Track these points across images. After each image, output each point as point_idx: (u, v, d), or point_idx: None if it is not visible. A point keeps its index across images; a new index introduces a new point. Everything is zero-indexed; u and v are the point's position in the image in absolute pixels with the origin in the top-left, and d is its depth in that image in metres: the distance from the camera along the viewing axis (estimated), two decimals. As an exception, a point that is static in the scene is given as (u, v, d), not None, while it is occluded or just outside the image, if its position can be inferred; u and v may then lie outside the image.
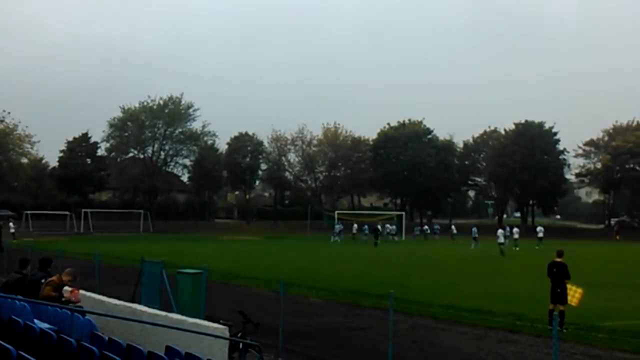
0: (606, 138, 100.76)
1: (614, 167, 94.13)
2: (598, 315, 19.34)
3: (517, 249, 53.74)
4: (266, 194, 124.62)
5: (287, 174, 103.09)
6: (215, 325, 11.60)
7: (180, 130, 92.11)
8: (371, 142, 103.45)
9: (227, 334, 11.48)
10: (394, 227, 76.02)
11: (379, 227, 68.92)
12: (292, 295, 19.52)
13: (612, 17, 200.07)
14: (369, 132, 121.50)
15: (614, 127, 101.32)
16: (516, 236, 57.84)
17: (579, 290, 17.53)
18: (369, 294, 20.78)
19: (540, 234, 63.33)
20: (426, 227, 79.86)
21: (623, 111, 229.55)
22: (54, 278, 12.90)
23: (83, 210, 77.12)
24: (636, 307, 21.75)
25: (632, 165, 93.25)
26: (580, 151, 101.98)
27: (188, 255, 38.40)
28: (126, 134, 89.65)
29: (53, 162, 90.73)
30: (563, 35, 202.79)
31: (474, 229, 61.98)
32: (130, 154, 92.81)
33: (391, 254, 47.69)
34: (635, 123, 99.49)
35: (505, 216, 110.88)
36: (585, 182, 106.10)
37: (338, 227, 72.59)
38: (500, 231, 50.90)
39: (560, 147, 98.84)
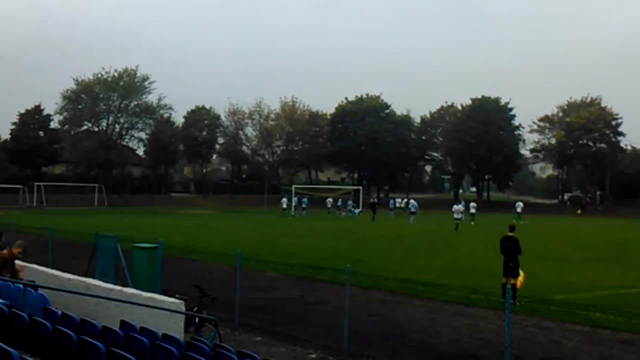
0: (560, 114, 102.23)
1: (567, 142, 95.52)
2: (550, 289, 19.72)
3: (473, 223, 54.25)
4: (223, 168, 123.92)
5: (244, 148, 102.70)
6: (171, 299, 11.52)
7: (135, 103, 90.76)
8: (329, 117, 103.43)
9: (182, 308, 11.41)
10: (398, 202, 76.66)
11: (374, 200, 69.23)
12: (249, 270, 19.49)
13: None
14: (327, 106, 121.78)
15: (568, 103, 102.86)
16: (473, 211, 58.24)
17: (521, 273, 17.81)
18: (326, 268, 20.86)
19: (519, 209, 64.16)
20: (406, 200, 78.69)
21: (577, 87, 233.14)
22: (4, 252, 12.65)
23: (36, 183, 75.70)
24: (587, 280, 22.21)
25: (585, 141, 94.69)
26: (535, 127, 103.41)
27: (143, 230, 38.05)
28: (80, 106, 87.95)
29: (5, 135, 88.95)
30: (519, 11, 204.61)
31: (412, 202, 62.45)
32: (85, 127, 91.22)
33: (350, 229, 47.87)
34: (589, 99, 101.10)
35: (461, 191, 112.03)
36: (540, 158, 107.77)
37: (304, 200, 72.53)
38: (455, 207, 51.10)
39: (516, 122, 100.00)
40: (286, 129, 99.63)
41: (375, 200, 73.47)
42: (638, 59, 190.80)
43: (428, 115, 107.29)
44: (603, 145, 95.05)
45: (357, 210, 70.88)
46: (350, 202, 71.93)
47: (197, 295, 12.63)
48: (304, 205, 70.50)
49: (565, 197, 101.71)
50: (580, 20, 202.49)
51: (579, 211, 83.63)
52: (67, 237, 25.63)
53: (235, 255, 15.25)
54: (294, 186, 79.71)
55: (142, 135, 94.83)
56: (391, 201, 74.88)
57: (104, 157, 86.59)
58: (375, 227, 50.94)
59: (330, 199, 74.70)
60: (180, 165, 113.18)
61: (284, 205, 67.42)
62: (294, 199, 72.48)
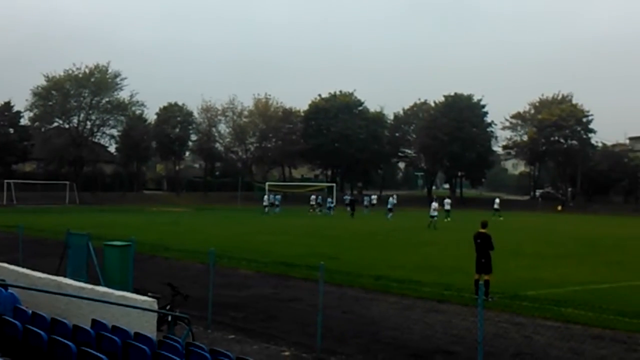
0: (532, 111, 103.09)
1: (539, 139, 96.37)
2: (522, 284, 19.88)
3: (449, 220, 54.17)
4: (196, 165, 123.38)
5: (217, 145, 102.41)
6: (143, 297, 11.42)
7: (107, 99, 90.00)
8: (302, 114, 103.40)
9: (155, 306, 11.31)
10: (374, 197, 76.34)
11: (349, 197, 69.03)
12: (222, 267, 19.42)
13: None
14: (300, 103, 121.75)
15: (540, 100, 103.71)
16: (447, 207, 58.21)
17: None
18: (300, 265, 20.84)
19: (497, 205, 64.61)
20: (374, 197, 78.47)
21: (549, 85, 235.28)
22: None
23: (6, 181, 74.80)
24: (559, 275, 22.43)
25: (557, 138, 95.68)
26: (508, 124, 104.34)
27: (115, 227, 37.80)
28: (50, 103, 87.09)
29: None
30: (491, 8, 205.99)
31: (390, 199, 62.65)
32: (55, 124, 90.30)
33: (325, 226, 47.90)
34: (560, 96, 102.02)
35: (434, 188, 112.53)
36: (512, 154, 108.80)
37: (277, 197, 72.02)
38: (434, 204, 50.83)
39: (488, 119, 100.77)
40: (259, 125, 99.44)
41: (353, 197, 73.27)
42: (608, 56, 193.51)
43: (401, 112, 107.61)
44: (574, 142, 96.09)
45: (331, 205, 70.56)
46: (329, 200, 71.90)
47: (170, 293, 12.56)
48: (277, 203, 70.10)
49: (537, 193, 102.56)
50: (552, 18, 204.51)
51: (559, 207, 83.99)
52: (38, 235, 25.38)
53: (208, 252, 15.18)
54: (267, 183, 79.66)
55: (114, 132, 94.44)
56: (365, 198, 74.80)
57: (75, 154, 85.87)
58: (350, 224, 51.01)
59: (313, 196, 73.83)
60: (152, 163, 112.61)
61: (266, 202, 67.05)
62: (271, 197, 71.93)
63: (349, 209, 63.46)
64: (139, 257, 17.97)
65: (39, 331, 7.15)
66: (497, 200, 67.66)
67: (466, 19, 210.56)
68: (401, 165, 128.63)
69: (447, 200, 60.48)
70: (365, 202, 71.92)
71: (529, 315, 15.35)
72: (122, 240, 18.27)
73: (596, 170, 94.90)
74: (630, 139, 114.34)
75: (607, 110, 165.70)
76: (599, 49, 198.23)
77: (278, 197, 72.59)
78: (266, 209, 64.99)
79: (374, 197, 77.31)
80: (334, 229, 45.06)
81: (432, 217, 47.71)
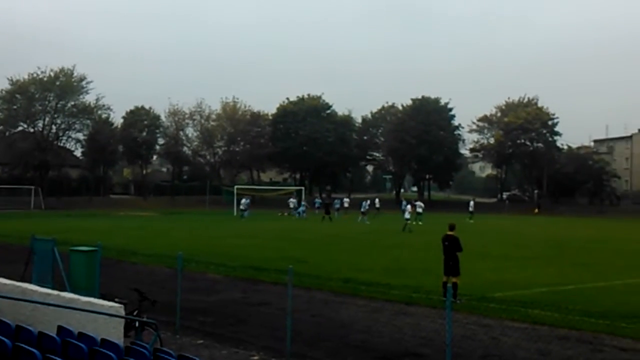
0: (499, 114, 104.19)
1: (506, 142, 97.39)
2: (490, 286, 20.05)
3: (421, 223, 53.88)
4: (164, 169, 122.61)
5: (185, 148, 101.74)
6: (110, 303, 11.28)
7: (72, 103, 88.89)
8: (270, 117, 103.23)
9: (122, 312, 11.18)
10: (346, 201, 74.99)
11: (324, 200, 68.47)
12: (190, 272, 19.31)
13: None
14: (269, 106, 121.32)
15: (506, 103, 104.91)
16: (419, 210, 58.10)
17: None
18: (269, 269, 20.80)
19: (471, 208, 64.87)
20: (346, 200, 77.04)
21: (515, 88, 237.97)
22: None
23: (-31, 186, 73.73)
24: (526, 277, 22.64)
25: (523, 141, 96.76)
26: (474, 127, 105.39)
27: (82, 233, 37.42)
28: (15, 107, 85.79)
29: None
30: (458, 12, 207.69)
31: (363, 202, 62.65)
32: (20, 128, 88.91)
33: (294, 229, 47.83)
34: (526, 99, 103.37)
35: (402, 190, 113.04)
36: (479, 157, 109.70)
37: (246, 202, 71.09)
38: (409, 207, 50.24)
39: (456, 122, 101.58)
40: (227, 129, 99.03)
41: (326, 200, 72.57)
42: (572, 60, 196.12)
43: (369, 116, 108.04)
44: (540, 144, 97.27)
45: (301, 209, 70.06)
46: (303, 203, 71.41)
47: (137, 298, 12.45)
48: (243, 207, 69.30)
49: (504, 196, 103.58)
50: (518, 21, 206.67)
51: (535, 210, 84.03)
52: (2, 240, 25.05)
53: (176, 257, 15.07)
54: (235, 187, 79.23)
55: (80, 136, 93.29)
56: (336, 201, 74.07)
57: (40, 158, 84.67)
58: (320, 226, 50.99)
59: (292, 199, 72.56)
60: (119, 167, 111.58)
61: (291, 205, 67.18)
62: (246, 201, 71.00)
63: (322, 211, 63.05)
64: (105, 262, 17.78)
65: (3, 338, 7.04)
66: (472, 203, 67.92)
67: (428, 22, 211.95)
68: (369, 168, 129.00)
69: (419, 203, 60.30)
70: (336, 205, 71.14)
71: (496, 317, 15.48)
72: (89, 245, 18.06)
73: (562, 172, 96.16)
74: (595, 141, 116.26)
75: (572, 114, 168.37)
76: (563, 52, 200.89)
77: (246, 201, 71.67)
78: (245, 213, 64.62)
79: (346, 200, 76.39)
80: (303, 232, 45.03)
81: (407, 220, 47.70)
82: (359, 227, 50.56)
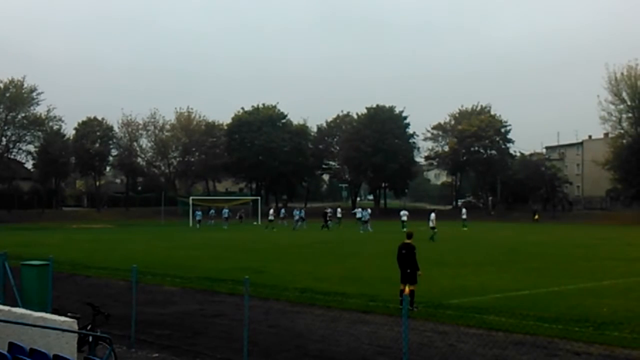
0: (453, 122, 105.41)
1: (460, 149, 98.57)
2: (446, 293, 20.18)
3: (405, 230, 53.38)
4: (117, 181, 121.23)
5: (139, 159, 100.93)
6: (63, 318, 11.09)
7: (23, 115, 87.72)
8: (225, 127, 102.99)
9: (75, 326, 10.99)
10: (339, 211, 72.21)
11: (328, 210, 67.18)
12: (145, 285, 19.09)
13: (453, 9, 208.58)
14: (223, 116, 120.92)
15: (459, 111, 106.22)
16: (404, 218, 57.47)
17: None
18: (225, 280, 20.66)
19: (464, 216, 65.11)
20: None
21: (468, 96, 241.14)
22: None
23: None
24: (481, 283, 22.84)
25: (477, 148, 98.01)
26: (429, 135, 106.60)
27: (33, 246, 36.78)
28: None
29: None
30: (410, 22, 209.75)
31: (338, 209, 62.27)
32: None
33: (251, 240, 47.65)
34: (479, 107, 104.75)
35: (358, 199, 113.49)
36: (434, 165, 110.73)
37: (198, 213, 70.28)
38: (433, 215, 48.86)
39: (410, 131, 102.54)
40: (182, 139, 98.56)
41: (328, 210, 70.36)
42: (523, 69, 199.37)
43: (325, 125, 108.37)
44: (493, 152, 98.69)
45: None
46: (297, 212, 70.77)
47: (91, 312, 12.26)
48: (198, 218, 68.76)
49: (459, 202, 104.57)
50: (469, 33, 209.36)
51: (535, 217, 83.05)
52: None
53: (131, 269, 14.87)
54: (191, 197, 78.78)
55: (31, 148, 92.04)
56: (296, 212, 72.08)
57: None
58: (275, 237, 50.88)
59: (271, 210, 69.35)
60: (72, 179, 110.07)
61: (271, 217, 65.11)
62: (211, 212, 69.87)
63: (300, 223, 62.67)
64: (58, 276, 17.49)
65: (-49, 357, 6.87)
66: (464, 210, 68.46)
67: (379, 32, 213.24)
68: (325, 177, 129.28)
69: (404, 212, 60.24)
70: (296, 216, 69.73)
71: (452, 323, 15.56)
72: (40, 259, 17.73)
73: (515, 179, 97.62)
74: (547, 148, 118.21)
75: (524, 121, 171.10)
76: (515, 61, 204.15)
77: (198, 213, 70.73)
78: (272, 222, 63.82)
79: (339, 210, 74.27)
80: (260, 242, 44.89)
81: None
82: (316, 236, 50.56)
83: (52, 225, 67.78)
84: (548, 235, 52.32)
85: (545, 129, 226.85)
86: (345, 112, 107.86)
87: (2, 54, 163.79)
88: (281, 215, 69.82)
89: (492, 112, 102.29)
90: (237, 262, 30.61)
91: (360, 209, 63.61)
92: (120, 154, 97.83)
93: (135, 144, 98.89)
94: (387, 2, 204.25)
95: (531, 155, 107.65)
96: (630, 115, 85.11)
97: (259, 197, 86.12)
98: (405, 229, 53.08)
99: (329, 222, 62.58)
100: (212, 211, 75.47)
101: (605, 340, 13.34)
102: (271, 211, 67.65)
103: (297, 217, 67.93)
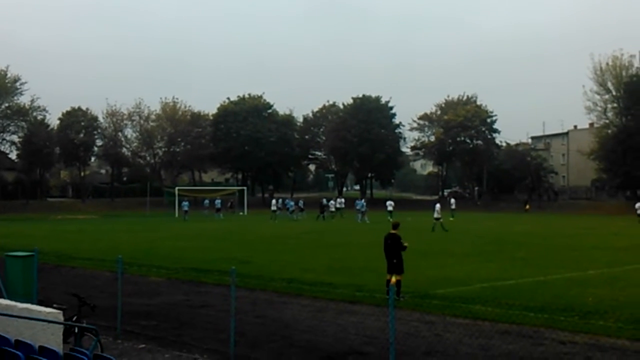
0: (439, 112, 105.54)
1: (446, 140, 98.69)
2: (432, 283, 20.25)
3: (390, 219, 53.45)
4: (102, 171, 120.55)
5: (124, 150, 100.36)
6: (48, 309, 11.04)
7: (6, 105, 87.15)
8: (211, 117, 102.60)
9: (61, 318, 10.95)
10: (340, 201, 70.82)
11: (324, 200, 66.86)
12: (131, 275, 19.05)
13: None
14: (209, 106, 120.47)
15: (446, 101, 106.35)
16: (390, 208, 58.33)
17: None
18: (212, 270, 20.62)
19: (453, 206, 65.45)
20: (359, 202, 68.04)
21: (454, 86, 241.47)
22: None
23: None
24: (467, 273, 22.92)
25: (462, 138, 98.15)
26: (415, 125, 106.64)
27: (18, 237, 36.59)
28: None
29: None
30: (397, 11, 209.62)
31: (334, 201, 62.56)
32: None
33: (237, 231, 47.59)
34: (465, 97, 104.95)
35: (345, 189, 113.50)
36: (420, 155, 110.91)
37: (185, 204, 69.70)
38: (438, 206, 48.66)
39: (396, 121, 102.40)
40: (167, 130, 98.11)
41: (324, 200, 69.83)
42: (509, 59, 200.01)
43: (311, 115, 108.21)
44: (479, 142, 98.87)
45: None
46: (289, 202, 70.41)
47: (77, 303, 12.20)
48: (185, 209, 68.25)
49: (446, 193, 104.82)
50: (454, 22, 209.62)
51: (527, 207, 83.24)
52: None
53: (117, 260, 14.80)
54: (177, 188, 78.53)
55: (15, 138, 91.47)
56: (291, 203, 70.61)
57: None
58: (262, 227, 50.85)
59: (274, 201, 68.46)
60: (56, 169, 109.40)
61: (274, 208, 64.73)
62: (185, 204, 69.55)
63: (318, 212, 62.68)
64: (43, 268, 17.40)
65: None
66: (454, 200, 68.97)
67: (364, 21, 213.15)
68: (312, 167, 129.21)
69: (390, 202, 61.35)
70: (290, 207, 69.19)
71: (439, 313, 15.63)
72: (25, 250, 17.64)
73: (501, 169, 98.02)
74: (532, 138, 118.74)
75: (509, 111, 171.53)
76: (500, 51, 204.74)
77: (185, 203, 70.23)
78: (275, 212, 63.45)
79: (301, 202, 73.81)
80: (247, 233, 44.85)
81: (438, 219, 46.81)
82: (302, 227, 50.57)
83: (37, 216, 67.43)
84: (534, 225, 52.56)
85: (530, 119, 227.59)
86: (331, 102, 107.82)
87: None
88: (287, 207, 69.52)
89: (478, 102, 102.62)
90: (224, 252, 30.59)
91: (363, 201, 63.55)
92: (105, 144, 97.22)
93: (120, 134, 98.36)
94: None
95: (517, 145, 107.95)
96: (615, 105, 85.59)
97: (245, 188, 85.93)
98: (391, 219, 53.71)
99: (325, 213, 62.76)
100: (207, 201, 75.26)
101: (591, 329, 13.46)
102: (273, 202, 67.69)
103: (292, 208, 67.78)
